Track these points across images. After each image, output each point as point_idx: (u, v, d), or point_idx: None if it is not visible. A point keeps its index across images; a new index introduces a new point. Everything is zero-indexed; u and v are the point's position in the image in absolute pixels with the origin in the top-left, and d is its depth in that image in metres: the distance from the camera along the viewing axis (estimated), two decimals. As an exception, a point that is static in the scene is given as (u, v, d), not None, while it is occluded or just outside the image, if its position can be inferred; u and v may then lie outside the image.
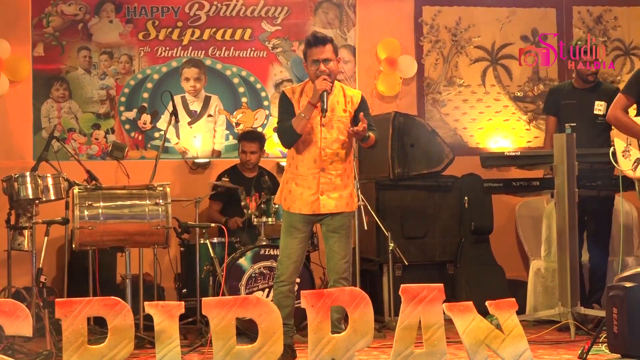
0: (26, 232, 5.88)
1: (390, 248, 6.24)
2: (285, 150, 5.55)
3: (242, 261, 6.00)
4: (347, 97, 5.04)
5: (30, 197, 5.67)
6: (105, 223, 5.51)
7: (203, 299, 3.90)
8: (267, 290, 5.95)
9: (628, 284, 4.69)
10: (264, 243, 6.06)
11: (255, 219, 6.14)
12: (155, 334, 3.71)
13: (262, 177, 6.35)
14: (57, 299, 3.72)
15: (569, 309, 5.64)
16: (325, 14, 7.62)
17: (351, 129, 4.88)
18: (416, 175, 6.77)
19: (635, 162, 5.35)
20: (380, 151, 6.33)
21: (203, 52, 7.44)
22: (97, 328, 5.53)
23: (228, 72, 7.48)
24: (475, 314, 3.96)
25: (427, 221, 6.76)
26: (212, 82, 7.46)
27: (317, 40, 4.96)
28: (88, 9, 7.30)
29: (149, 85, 7.37)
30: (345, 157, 5.01)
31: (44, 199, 5.74)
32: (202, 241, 6.14)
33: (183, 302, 3.85)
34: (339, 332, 4.01)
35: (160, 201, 5.60)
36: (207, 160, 7.38)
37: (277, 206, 6.03)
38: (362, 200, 5.93)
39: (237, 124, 7.46)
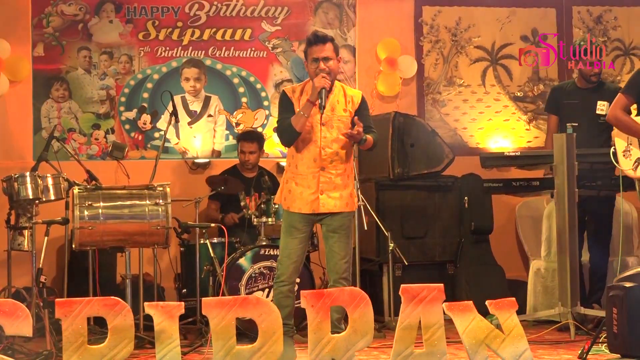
0: (26, 232, 5.87)
1: (390, 248, 6.24)
2: (285, 150, 5.56)
3: (242, 261, 6.00)
4: (347, 97, 5.04)
5: (30, 197, 5.67)
6: (105, 223, 5.52)
7: (203, 299, 3.90)
8: (267, 290, 5.95)
9: (628, 284, 4.70)
10: (264, 243, 6.06)
11: (255, 219, 6.14)
12: (155, 334, 3.71)
13: (262, 177, 6.35)
14: (57, 299, 3.72)
15: (569, 309, 5.63)
16: (325, 14, 7.62)
17: (345, 132, 4.89)
18: (416, 175, 6.77)
19: (635, 161, 5.36)
20: (380, 151, 6.33)
21: (203, 52, 7.44)
22: (97, 328, 5.53)
23: (228, 72, 7.48)
24: (475, 313, 3.96)
25: (427, 221, 6.76)
26: (212, 82, 7.46)
27: (318, 39, 4.96)
28: (88, 9, 7.30)
29: (149, 85, 7.36)
30: (345, 157, 5.00)
31: (44, 199, 5.73)
32: (202, 241, 6.14)
33: (183, 303, 3.85)
34: (339, 332, 4.01)
35: (160, 201, 5.60)
36: (207, 160, 7.38)
37: (277, 206, 6.03)
38: (362, 200, 5.93)
39: (237, 124, 7.46)
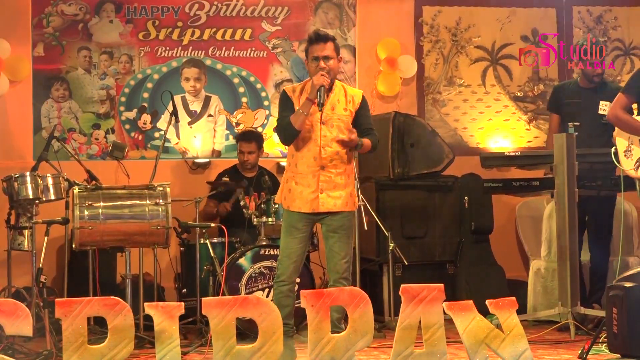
0: (26, 232, 5.88)
1: (390, 248, 6.24)
2: (285, 150, 5.56)
3: (242, 261, 6.00)
4: (348, 96, 5.03)
5: (30, 197, 5.67)
6: (105, 223, 5.52)
7: (203, 299, 3.89)
8: (267, 290, 5.95)
9: (628, 284, 4.69)
10: (264, 243, 6.06)
11: (255, 219, 6.14)
12: (155, 334, 3.70)
13: (262, 177, 6.35)
14: (57, 299, 3.71)
15: (569, 309, 5.63)
16: (325, 14, 7.62)
17: (339, 139, 4.88)
18: (416, 175, 6.78)
19: (637, 161, 5.35)
20: (381, 151, 6.32)
21: (203, 52, 7.44)
22: (97, 328, 5.53)
23: (228, 72, 7.48)
24: (475, 313, 3.96)
25: (427, 221, 6.76)
26: (212, 82, 7.46)
27: (319, 38, 4.96)
28: (88, 9, 7.30)
29: (149, 85, 7.36)
30: (346, 156, 4.99)
31: (44, 199, 5.73)
32: (202, 241, 6.14)
33: (183, 302, 3.85)
34: (338, 332, 4.00)
35: (160, 201, 5.60)
36: (207, 160, 7.38)
37: (277, 206, 6.03)
38: (362, 200, 5.93)
39: (237, 124, 7.46)
